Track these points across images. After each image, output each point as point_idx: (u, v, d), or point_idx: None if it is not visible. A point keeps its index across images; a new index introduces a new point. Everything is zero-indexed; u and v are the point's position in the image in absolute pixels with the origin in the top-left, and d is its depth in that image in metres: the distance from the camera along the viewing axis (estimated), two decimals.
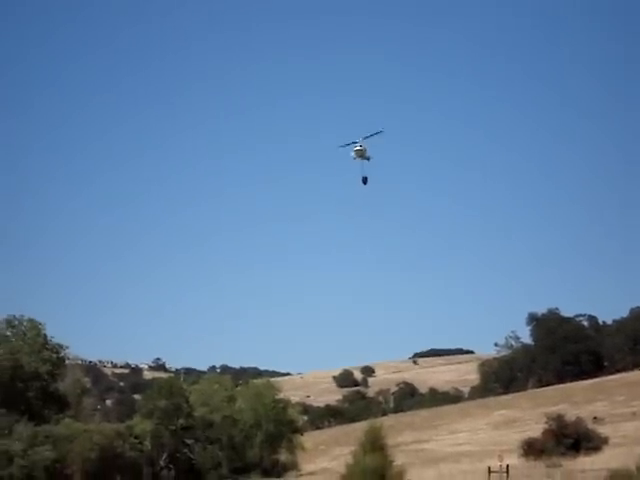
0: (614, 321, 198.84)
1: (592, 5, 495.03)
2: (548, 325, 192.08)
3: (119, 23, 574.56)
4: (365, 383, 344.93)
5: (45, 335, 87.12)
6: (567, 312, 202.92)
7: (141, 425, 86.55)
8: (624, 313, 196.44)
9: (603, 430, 76.74)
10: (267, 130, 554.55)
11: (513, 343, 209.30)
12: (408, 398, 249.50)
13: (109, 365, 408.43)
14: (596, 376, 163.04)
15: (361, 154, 54.04)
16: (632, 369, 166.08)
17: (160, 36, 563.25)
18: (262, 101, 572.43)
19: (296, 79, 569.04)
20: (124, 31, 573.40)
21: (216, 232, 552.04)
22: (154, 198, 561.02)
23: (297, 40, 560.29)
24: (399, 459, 27.77)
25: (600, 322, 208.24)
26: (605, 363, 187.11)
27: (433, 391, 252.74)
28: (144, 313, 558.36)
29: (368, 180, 55.22)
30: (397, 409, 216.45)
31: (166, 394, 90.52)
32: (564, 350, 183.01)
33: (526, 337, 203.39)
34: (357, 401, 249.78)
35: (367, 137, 54.20)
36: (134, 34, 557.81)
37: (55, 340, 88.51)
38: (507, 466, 55.07)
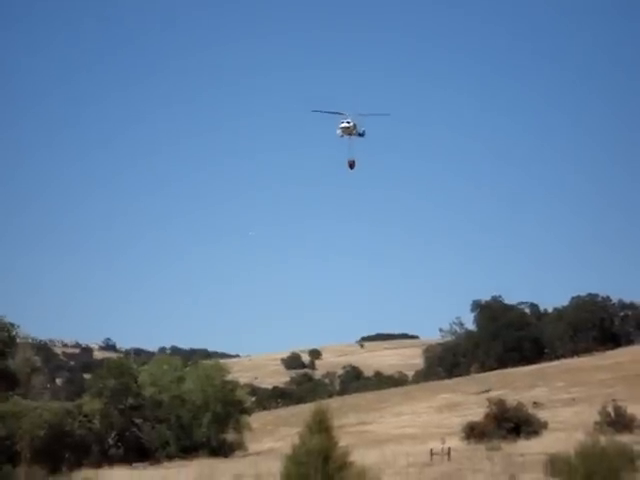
0: (555, 309, 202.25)
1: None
2: (491, 312, 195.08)
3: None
4: (312, 366, 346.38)
5: None
6: (510, 300, 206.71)
7: (90, 404, 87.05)
8: (565, 302, 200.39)
9: (543, 415, 78.59)
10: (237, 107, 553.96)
11: (457, 329, 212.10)
12: (354, 381, 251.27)
13: (59, 344, 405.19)
14: (537, 362, 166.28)
15: (349, 132, 48.96)
16: (572, 356, 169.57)
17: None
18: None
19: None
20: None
21: (167, 213, 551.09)
22: (108, 181, 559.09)
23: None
24: (344, 440, 28.42)
25: (542, 310, 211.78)
26: (546, 350, 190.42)
27: (378, 374, 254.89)
28: (95, 293, 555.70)
29: (356, 164, 50.08)
30: (343, 392, 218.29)
31: (116, 374, 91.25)
32: (506, 337, 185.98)
33: (470, 323, 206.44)
34: (304, 383, 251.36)
35: (364, 115, 49.86)
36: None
37: (6, 319, 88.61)
38: (449, 448, 56.89)
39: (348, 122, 49.14)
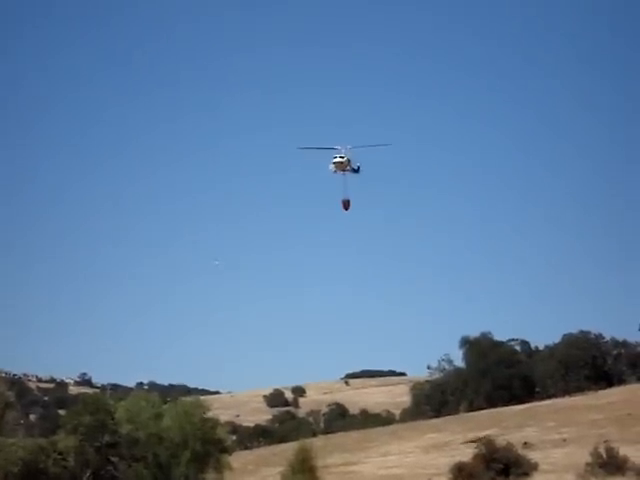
0: (546, 346, 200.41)
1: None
2: (480, 348, 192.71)
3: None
4: (296, 403, 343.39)
5: None
6: (500, 336, 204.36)
7: (65, 441, 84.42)
8: (556, 339, 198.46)
9: (533, 456, 77.26)
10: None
11: (446, 366, 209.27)
12: (339, 419, 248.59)
13: (34, 379, 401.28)
14: (527, 401, 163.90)
15: (342, 167, 46.11)
16: (563, 395, 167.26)
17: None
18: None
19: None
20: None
21: (146, 247, 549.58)
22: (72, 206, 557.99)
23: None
24: None
25: (532, 347, 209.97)
26: (537, 389, 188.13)
27: (364, 413, 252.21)
28: (71, 326, 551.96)
29: (351, 204, 46.41)
30: (327, 430, 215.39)
31: (91, 410, 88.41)
32: (496, 374, 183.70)
33: (459, 360, 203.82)
34: (287, 421, 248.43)
35: (359, 147, 46.71)
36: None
37: None
38: None
39: (341, 157, 46.29)
